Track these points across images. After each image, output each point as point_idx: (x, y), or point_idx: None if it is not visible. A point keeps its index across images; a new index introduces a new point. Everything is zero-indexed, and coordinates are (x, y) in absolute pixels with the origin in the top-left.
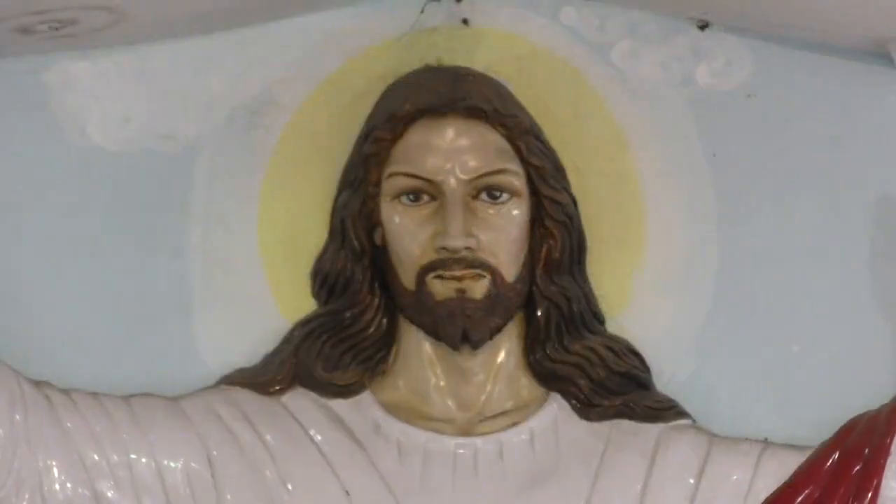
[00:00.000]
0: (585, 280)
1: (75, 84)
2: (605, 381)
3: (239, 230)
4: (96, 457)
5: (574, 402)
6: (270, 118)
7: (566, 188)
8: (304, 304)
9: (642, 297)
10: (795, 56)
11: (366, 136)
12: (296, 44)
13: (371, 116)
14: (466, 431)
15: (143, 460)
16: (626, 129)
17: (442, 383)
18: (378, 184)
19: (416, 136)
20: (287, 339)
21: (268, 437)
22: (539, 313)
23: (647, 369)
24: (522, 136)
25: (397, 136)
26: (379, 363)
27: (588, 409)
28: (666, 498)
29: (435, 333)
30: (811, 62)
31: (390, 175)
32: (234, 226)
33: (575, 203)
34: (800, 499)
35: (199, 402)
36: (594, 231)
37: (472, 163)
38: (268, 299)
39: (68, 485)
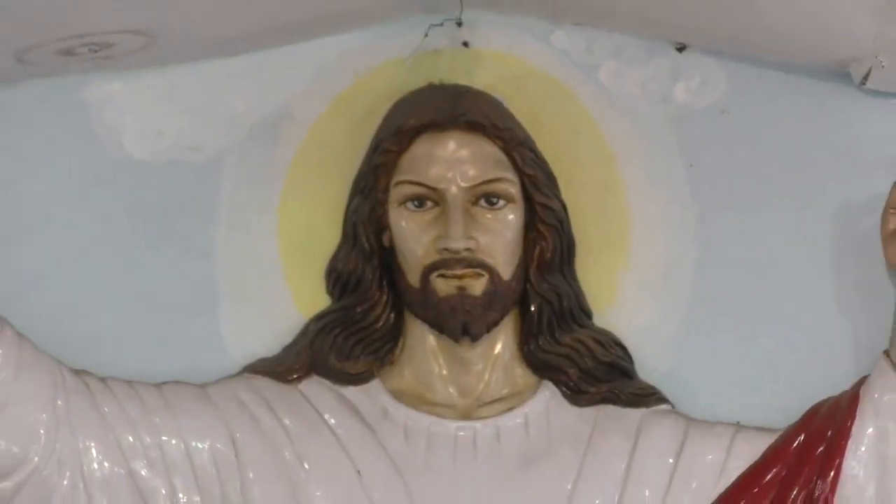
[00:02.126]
0: (575, 279)
1: (112, 101)
2: (593, 370)
3: (260, 234)
4: (131, 439)
5: (564, 389)
6: (288, 132)
7: (557, 195)
8: (319, 301)
9: (627, 295)
10: (765, 76)
11: (375, 148)
12: (311, 64)
13: (380, 130)
14: (466, 416)
15: (174, 442)
16: (612, 142)
17: (444, 372)
18: (386, 191)
19: (420, 147)
20: (303, 333)
21: (286, 421)
22: (532, 309)
23: (630, 359)
24: (517, 147)
25: (404, 148)
26: (387, 354)
27: (577, 395)
28: (647, 476)
29: (438, 327)
30: (780, 81)
31: (397, 183)
32: (256, 230)
33: (565, 209)
34: (769, 477)
35: (224, 389)
36: (583, 235)
37: (472, 172)
38: (286, 296)
39: (105, 464)
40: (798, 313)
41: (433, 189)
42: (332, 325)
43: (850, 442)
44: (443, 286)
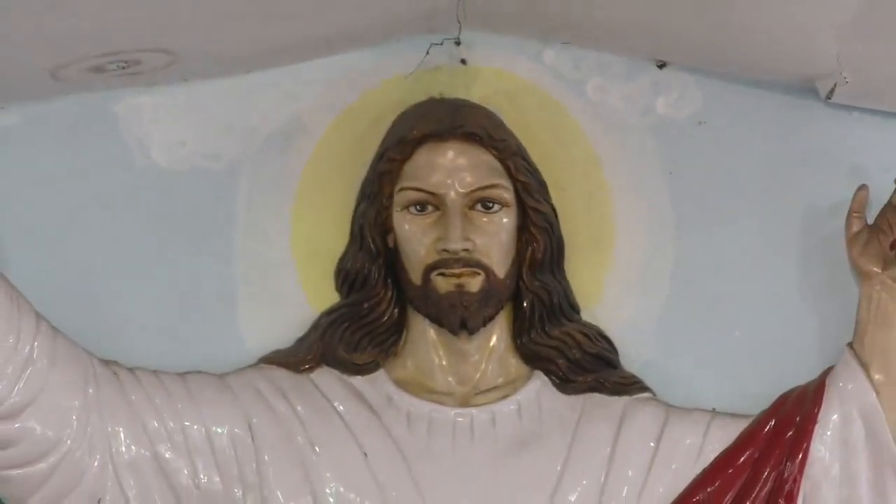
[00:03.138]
0: (564, 277)
1: (139, 114)
2: (580, 361)
3: (275, 236)
4: (156, 424)
5: (554, 378)
6: (300, 142)
7: (548, 200)
8: (329, 297)
9: (611, 292)
10: (738, 91)
11: (380, 156)
12: (321, 80)
13: (384, 140)
14: (464, 403)
15: (195, 427)
16: (598, 152)
17: (444, 363)
18: (391, 197)
19: (422, 156)
20: (314, 327)
21: (299, 408)
22: (525, 304)
23: (615, 351)
24: (511, 156)
25: (407, 156)
26: (391, 346)
27: (566, 384)
28: (630, 459)
29: (438, 321)
30: (752, 96)
31: (401, 189)
32: (271, 232)
33: (555, 213)
34: (742, 459)
35: (242, 379)
36: (571, 236)
37: (469, 179)
38: (298, 293)
39: (133, 447)
40: (769, 309)
41: (434, 194)
42: (341, 319)
43: (816, 427)
44: (443, 284)
